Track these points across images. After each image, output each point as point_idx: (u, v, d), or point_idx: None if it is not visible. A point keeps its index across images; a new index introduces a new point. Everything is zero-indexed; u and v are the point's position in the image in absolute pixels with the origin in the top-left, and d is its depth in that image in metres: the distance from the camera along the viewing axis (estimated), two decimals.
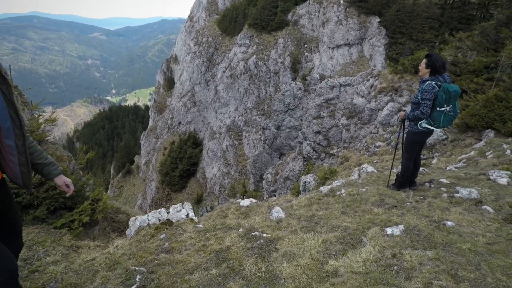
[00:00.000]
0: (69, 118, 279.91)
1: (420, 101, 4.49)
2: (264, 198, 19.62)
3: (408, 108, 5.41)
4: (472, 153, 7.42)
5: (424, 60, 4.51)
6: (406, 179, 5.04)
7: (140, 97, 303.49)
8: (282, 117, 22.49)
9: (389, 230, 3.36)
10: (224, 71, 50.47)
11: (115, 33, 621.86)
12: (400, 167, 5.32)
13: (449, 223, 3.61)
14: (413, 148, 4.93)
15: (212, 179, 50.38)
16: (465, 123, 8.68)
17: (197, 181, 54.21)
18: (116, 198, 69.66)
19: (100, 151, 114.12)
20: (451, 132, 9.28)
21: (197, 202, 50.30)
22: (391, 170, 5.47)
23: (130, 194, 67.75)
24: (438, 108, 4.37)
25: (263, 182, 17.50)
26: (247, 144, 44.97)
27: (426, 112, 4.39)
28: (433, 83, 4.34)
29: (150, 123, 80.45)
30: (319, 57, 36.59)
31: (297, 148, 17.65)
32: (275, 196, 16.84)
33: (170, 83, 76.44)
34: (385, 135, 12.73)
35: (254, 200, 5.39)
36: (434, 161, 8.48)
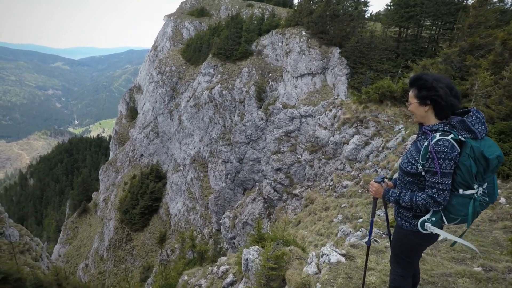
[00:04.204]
0: (24, 152, 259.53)
1: (428, 176, 2.44)
2: (224, 246, 17.33)
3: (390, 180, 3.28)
4: None
5: (412, 91, 2.59)
6: None
7: (105, 128, 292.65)
8: (244, 149, 20.79)
9: None
10: (188, 101, 48.80)
11: (79, 62, 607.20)
12: (389, 284, 3.14)
13: None
14: (411, 257, 2.84)
15: (176, 215, 46.92)
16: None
17: (160, 218, 50.30)
18: (70, 241, 62.93)
19: (57, 188, 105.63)
20: None
21: (160, 242, 46.29)
22: (364, 275, 3.28)
23: (86, 236, 61.45)
24: (460, 190, 2.36)
25: (221, 227, 15.28)
26: (213, 176, 42.56)
27: (444, 199, 2.36)
28: (449, 138, 2.32)
29: (111, 156, 75.64)
30: (284, 86, 36.17)
31: (257, 188, 15.80)
32: (234, 244, 14.61)
33: (132, 113, 73.38)
34: (352, 173, 11.35)
35: None
36: None
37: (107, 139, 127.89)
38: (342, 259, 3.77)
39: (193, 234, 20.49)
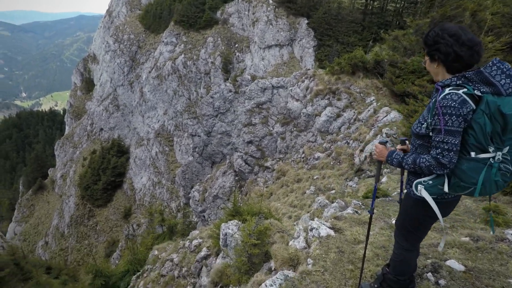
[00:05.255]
0: None
1: (433, 135, 2.18)
2: (193, 220, 17.11)
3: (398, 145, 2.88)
4: None
5: (425, 49, 2.29)
6: (403, 285, 2.80)
7: (58, 101, 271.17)
8: (212, 122, 20.15)
9: None
10: (149, 72, 46.00)
11: (21, 28, 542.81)
12: (391, 258, 2.88)
13: None
14: (419, 230, 2.59)
15: (141, 190, 45.70)
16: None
17: (125, 193, 48.76)
18: (26, 219, 59.51)
19: (7, 165, 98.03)
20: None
21: (125, 217, 45.24)
22: (365, 251, 3.02)
23: (44, 214, 58.32)
24: (472, 154, 2.06)
25: (190, 201, 14.94)
26: (179, 150, 41.49)
27: (449, 161, 2.08)
28: (460, 92, 2.03)
29: (67, 130, 70.63)
30: (251, 57, 35.14)
31: (227, 161, 15.46)
32: (204, 218, 14.45)
33: (88, 84, 68.14)
34: (324, 145, 11.39)
35: None
36: (384, 179, 7.01)
37: (61, 113, 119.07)
38: (332, 232, 3.63)
39: (161, 208, 20.07)
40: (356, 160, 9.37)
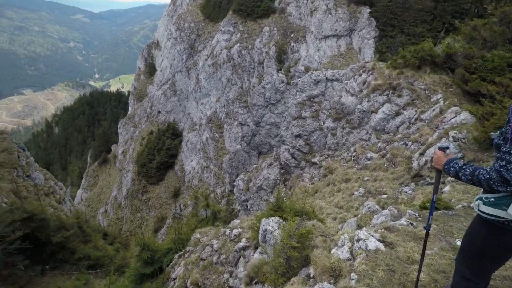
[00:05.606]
0: (49, 102, 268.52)
1: (501, 144, 1.81)
2: (236, 207, 17.37)
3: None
4: None
5: None
6: None
7: (124, 83, 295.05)
8: (262, 113, 20.07)
9: None
10: (206, 59, 47.40)
11: (98, 16, 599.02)
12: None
13: None
14: (485, 258, 2.09)
15: (190, 172, 47.99)
16: (490, 139, 6.51)
17: (175, 174, 51.67)
18: (91, 187, 66.69)
19: (80, 137, 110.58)
20: (468, 149, 7.08)
21: (174, 196, 47.98)
22: (419, 274, 2.59)
23: (106, 184, 64.71)
24: None
25: (234, 189, 15.14)
26: (228, 137, 42.49)
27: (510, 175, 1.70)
28: None
29: (130, 111, 76.69)
30: (306, 48, 34.11)
31: (274, 153, 15.23)
32: (246, 207, 14.55)
33: (151, 69, 72.79)
34: (378, 144, 10.53)
35: None
36: (446, 188, 6.22)
37: (126, 94, 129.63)
38: (381, 246, 3.20)
39: (207, 193, 20.78)
40: (414, 164, 8.47)
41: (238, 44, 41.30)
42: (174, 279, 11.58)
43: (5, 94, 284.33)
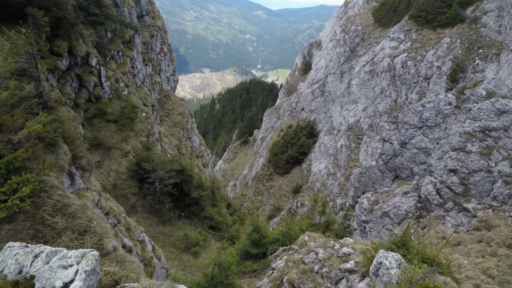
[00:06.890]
0: (218, 82, 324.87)
1: None
2: (353, 225, 16.03)
3: None
4: None
5: None
6: None
7: (280, 76, 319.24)
8: (413, 133, 17.52)
9: None
10: (364, 65, 45.31)
11: (274, 13, 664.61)
12: None
13: None
14: None
15: (316, 174, 47.91)
16: None
17: (301, 171, 52.73)
18: (229, 161, 76.53)
19: (232, 116, 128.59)
20: None
21: (294, 192, 49.22)
22: None
23: (241, 162, 72.73)
24: None
25: (356, 205, 13.83)
26: (365, 150, 39.89)
27: None
28: None
29: (277, 102, 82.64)
30: (496, 68, 27.36)
31: (414, 181, 12.85)
32: (364, 229, 13.21)
33: (306, 67, 75.72)
34: None
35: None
36: None
37: (278, 87, 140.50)
38: None
39: (326, 200, 20.19)
40: None
41: (405, 54, 37.41)
42: (274, 269, 11.91)
43: (191, 70, 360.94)
